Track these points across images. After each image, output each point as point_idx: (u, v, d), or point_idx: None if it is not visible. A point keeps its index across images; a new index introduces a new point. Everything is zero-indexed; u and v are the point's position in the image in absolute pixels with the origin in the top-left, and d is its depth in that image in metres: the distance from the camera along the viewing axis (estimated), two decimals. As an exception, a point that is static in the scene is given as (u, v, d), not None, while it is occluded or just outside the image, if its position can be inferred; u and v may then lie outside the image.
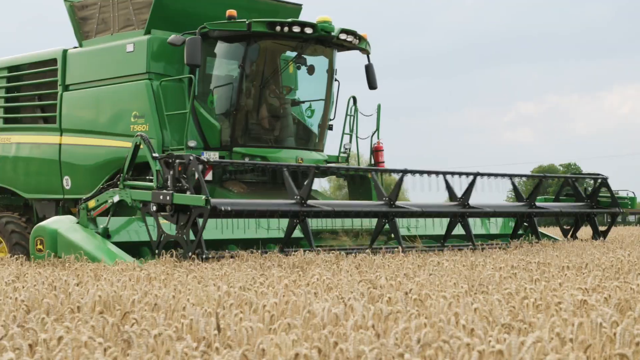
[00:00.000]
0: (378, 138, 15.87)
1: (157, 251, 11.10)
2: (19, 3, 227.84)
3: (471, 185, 13.78)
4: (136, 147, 11.89)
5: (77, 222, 12.04)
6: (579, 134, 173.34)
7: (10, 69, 16.61)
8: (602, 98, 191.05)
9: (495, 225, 15.76)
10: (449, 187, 13.72)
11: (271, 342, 4.15)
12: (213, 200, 10.72)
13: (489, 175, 14.31)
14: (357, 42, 14.83)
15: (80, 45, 15.59)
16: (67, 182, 15.07)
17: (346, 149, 15.81)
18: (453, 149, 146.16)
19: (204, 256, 10.53)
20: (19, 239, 14.74)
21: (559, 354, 3.67)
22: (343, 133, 15.82)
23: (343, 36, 14.47)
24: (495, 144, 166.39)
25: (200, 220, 10.81)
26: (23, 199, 16.23)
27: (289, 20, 14.03)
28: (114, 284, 7.27)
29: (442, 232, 14.03)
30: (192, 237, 10.94)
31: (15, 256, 11.55)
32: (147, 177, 12.09)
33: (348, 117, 15.83)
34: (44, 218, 14.66)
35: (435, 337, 4.27)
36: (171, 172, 11.01)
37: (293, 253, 10.88)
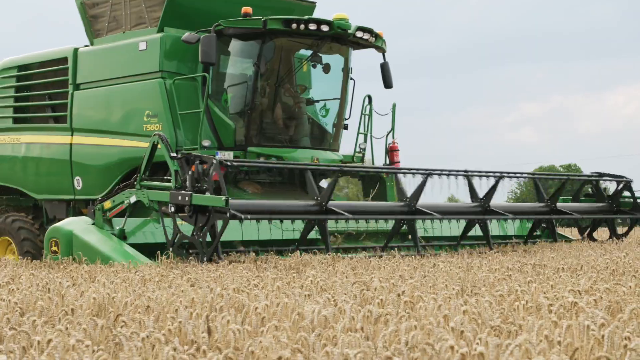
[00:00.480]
0: (393, 138, 15.66)
1: (170, 250, 10.86)
2: (19, 3, 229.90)
3: (493, 187, 13.61)
4: (154, 147, 11.75)
5: (93, 224, 11.92)
6: (583, 134, 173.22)
7: (20, 68, 16.53)
8: (606, 98, 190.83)
9: (512, 227, 15.59)
10: (471, 188, 13.54)
11: (260, 344, 4.11)
12: (232, 202, 10.50)
13: (512, 176, 14.19)
14: (373, 40, 14.61)
15: (92, 44, 15.49)
16: (78, 182, 14.94)
17: (361, 148, 15.59)
18: (456, 148, 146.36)
19: (218, 262, 10.32)
20: (30, 246, 14.64)
21: (545, 357, 3.50)
22: (358, 132, 15.61)
23: (359, 34, 14.26)
24: (498, 144, 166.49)
25: (220, 223, 10.60)
26: (33, 200, 16.11)
27: (305, 17, 13.85)
28: (107, 286, 7.18)
29: (459, 233, 13.90)
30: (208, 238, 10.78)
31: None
32: (165, 177, 11.94)
33: (363, 116, 15.62)
34: (54, 219, 14.60)
35: (424, 339, 4.17)
36: (190, 173, 10.85)
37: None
